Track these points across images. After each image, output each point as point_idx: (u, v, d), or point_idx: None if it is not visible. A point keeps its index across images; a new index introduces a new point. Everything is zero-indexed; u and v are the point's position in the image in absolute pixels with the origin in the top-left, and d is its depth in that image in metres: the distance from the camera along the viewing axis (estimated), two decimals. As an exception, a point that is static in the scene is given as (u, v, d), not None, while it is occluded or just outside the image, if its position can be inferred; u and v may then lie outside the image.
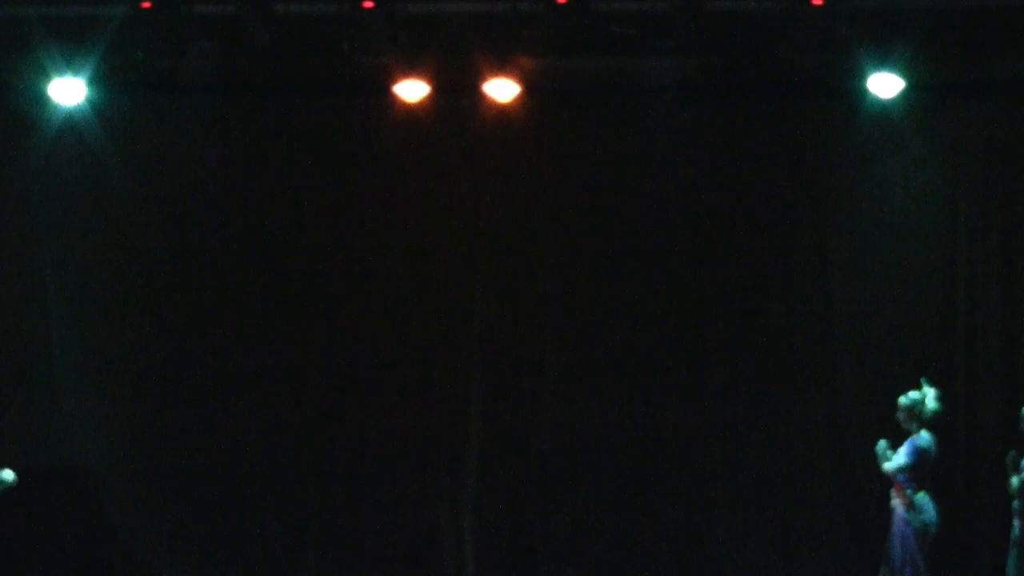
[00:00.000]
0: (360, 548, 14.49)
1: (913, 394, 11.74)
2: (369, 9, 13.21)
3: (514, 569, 14.40)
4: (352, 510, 14.55)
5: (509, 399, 14.55)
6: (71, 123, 13.81)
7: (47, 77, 13.44)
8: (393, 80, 13.79)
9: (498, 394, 14.56)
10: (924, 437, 11.63)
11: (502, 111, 14.06)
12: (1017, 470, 11.22)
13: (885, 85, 13.05)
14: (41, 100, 13.52)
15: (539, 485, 14.45)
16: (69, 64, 13.18)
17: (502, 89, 13.74)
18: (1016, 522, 11.20)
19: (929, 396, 11.71)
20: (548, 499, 14.40)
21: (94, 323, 14.21)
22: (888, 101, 13.17)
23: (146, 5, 13.06)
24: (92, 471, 13.45)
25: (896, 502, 11.62)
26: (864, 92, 13.18)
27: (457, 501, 14.48)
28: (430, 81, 13.75)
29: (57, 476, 13.72)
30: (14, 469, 13.31)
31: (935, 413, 11.68)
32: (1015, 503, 11.23)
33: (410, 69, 13.38)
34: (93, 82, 13.55)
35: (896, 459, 11.61)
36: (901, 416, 11.74)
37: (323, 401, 14.53)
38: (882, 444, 11.73)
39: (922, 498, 11.55)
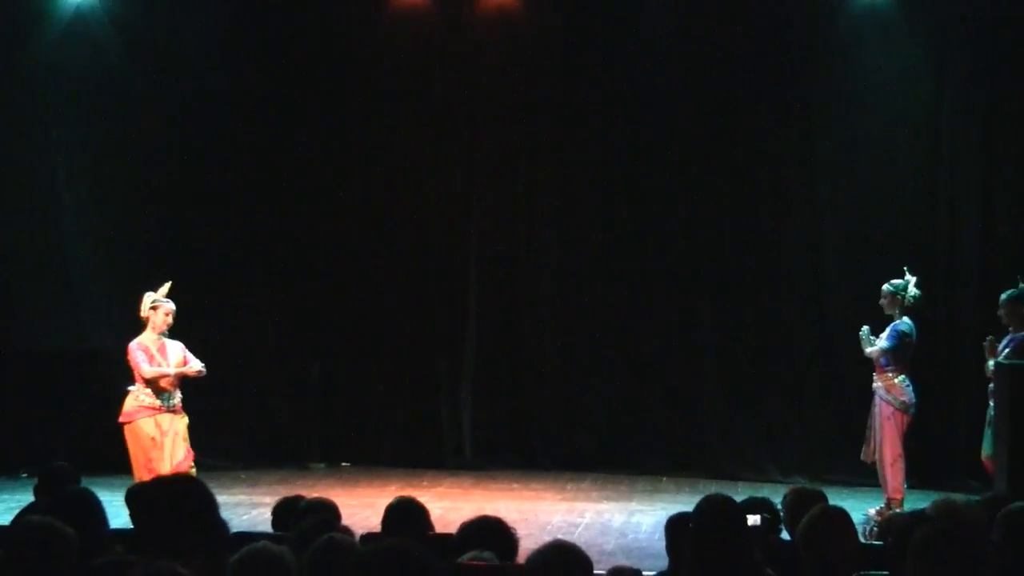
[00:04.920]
0: (362, 431, 14.78)
1: (896, 281, 11.80)
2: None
3: (510, 451, 14.68)
4: (355, 394, 14.83)
5: (505, 287, 14.77)
6: (80, 16, 13.93)
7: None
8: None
9: (495, 282, 14.78)
10: (906, 322, 11.69)
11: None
12: (994, 354, 11.20)
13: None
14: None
15: (534, 370, 14.71)
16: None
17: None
18: (992, 403, 11.19)
19: (911, 283, 11.79)
20: (543, 383, 14.66)
21: (105, 212, 14.37)
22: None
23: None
24: (103, 355, 13.59)
25: (878, 384, 11.72)
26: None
27: (455, 386, 14.75)
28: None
29: (71, 358, 14.00)
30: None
31: (916, 299, 11.76)
32: (991, 386, 11.23)
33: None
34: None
35: (878, 343, 11.69)
36: (884, 302, 11.79)
37: (327, 288, 14.73)
38: (865, 329, 11.81)
39: (903, 380, 11.64)
